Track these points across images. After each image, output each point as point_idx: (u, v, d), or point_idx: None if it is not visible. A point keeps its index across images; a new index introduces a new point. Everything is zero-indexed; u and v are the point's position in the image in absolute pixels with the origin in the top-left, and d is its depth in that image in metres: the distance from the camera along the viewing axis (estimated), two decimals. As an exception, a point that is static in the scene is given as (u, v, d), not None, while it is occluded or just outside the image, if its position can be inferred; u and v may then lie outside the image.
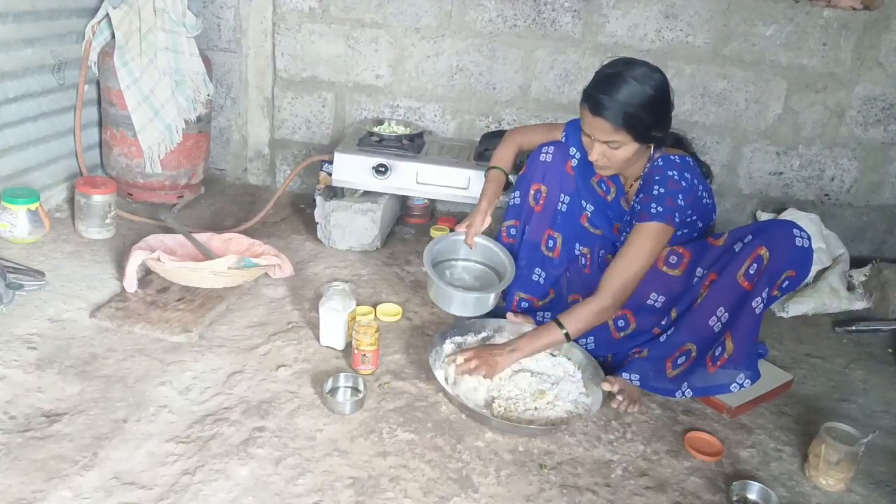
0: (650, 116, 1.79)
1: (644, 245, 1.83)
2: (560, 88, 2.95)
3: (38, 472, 1.46)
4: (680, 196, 1.83)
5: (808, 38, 2.81)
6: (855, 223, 3.06)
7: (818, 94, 2.89)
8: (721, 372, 1.79)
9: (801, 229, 1.75)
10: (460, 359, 1.85)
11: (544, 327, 1.90)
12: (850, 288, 2.66)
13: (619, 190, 2.03)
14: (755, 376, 1.80)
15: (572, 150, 2.04)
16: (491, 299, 2.07)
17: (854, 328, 2.45)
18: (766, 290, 1.73)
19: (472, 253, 2.19)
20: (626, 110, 1.76)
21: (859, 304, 2.59)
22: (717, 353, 1.79)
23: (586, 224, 2.08)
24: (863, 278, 2.69)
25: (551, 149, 2.07)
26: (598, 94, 1.79)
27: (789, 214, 2.82)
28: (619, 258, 1.86)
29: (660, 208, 1.81)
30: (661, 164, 1.87)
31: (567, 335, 1.85)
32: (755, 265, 1.73)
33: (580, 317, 1.86)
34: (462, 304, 2.07)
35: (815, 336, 2.42)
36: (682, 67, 2.89)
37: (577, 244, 2.09)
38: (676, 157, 1.88)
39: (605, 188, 2.04)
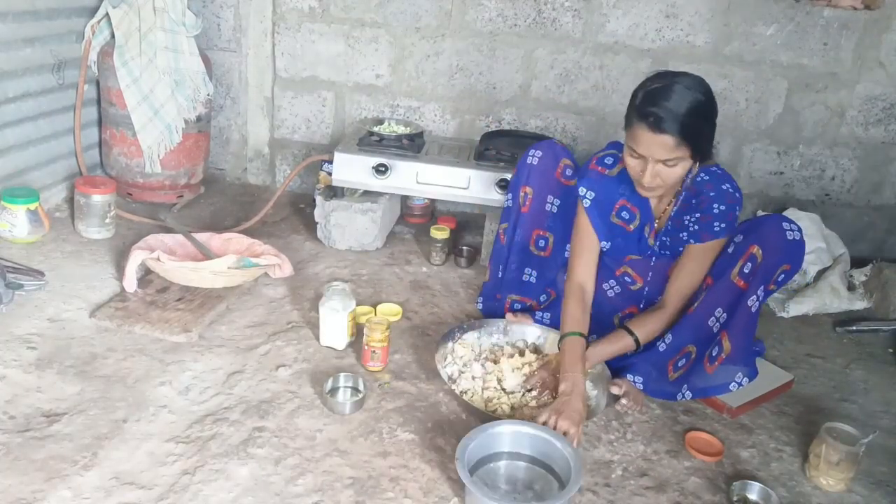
0: (708, 125, 1.69)
1: (707, 262, 1.82)
2: (560, 88, 2.95)
3: (38, 472, 1.45)
4: (737, 208, 1.80)
5: (809, 38, 2.81)
6: (855, 223, 3.05)
7: (819, 94, 2.89)
8: (719, 371, 1.79)
9: (790, 222, 1.75)
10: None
11: (615, 335, 1.87)
12: (851, 288, 2.65)
13: (644, 217, 1.89)
14: (753, 374, 1.81)
15: (582, 191, 1.90)
16: None
17: (854, 328, 2.45)
18: (762, 287, 1.74)
19: (517, 445, 1.63)
20: (685, 121, 1.62)
21: (860, 304, 2.59)
22: (714, 353, 1.79)
23: None
24: (863, 278, 2.69)
25: (539, 152, 2.06)
26: (653, 108, 1.63)
27: (790, 214, 2.81)
28: (683, 276, 1.85)
29: (723, 225, 1.78)
30: (706, 178, 1.79)
31: (637, 340, 1.85)
32: (749, 264, 1.73)
33: (649, 325, 1.86)
34: None
35: (815, 336, 2.42)
36: (682, 67, 2.88)
37: (569, 245, 2.08)
38: (716, 168, 1.81)
39: (628, 217, 1.90)
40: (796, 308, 2.52)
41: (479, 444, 1.56)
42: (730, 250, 1.79)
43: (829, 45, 2.82)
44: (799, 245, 1.74)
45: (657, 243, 1.90)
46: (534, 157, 2.06)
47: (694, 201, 1.82)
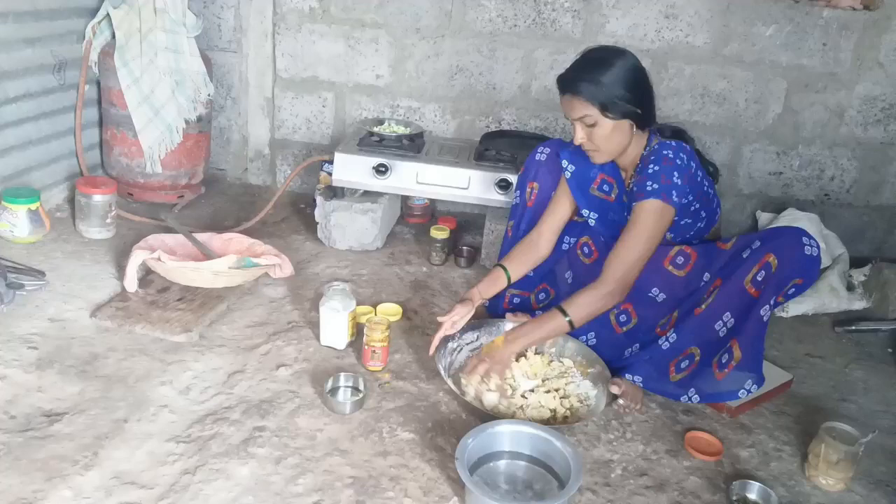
0: (615, 85, 1.77)
1: (644, 226, 1.78)
2: (560, 88, 2.95)
3: (39, 471, 1.46)
4: (675, 174, 1.79)
5: (808, 38, 2.82)
6: (855, 223, 3.06)
7: (818, 94, 2.89)
8: (729, 378, 1.78)
9: (809, 237, 1.74)
10: (466, 371, 1.83)
11: (546, 314, 1.85)
12: (850, 288, 2.66)
13: (619, 186, 1.99)
14: (761, 381, 1.79)
15: (564, 163, 2.00)
16: None
17: (854, 328, 2.45)
18: (773, 297, 1.72)
19: (517, 444, 1.63)
20: (585, 78, 1.78)
21: (859, 304, 2.59)
22: (723, 361, 1.77)
23: (576, 217, 2.07)
24: (862, 278, 2.70)
25: (548, 149, 2.09)
26: (563, 74, 1.84)
27: (789, 214, 2.83)
28: (619, 242, 1.82)
29: (655, 185, 1.78)
30: (657, 147, 1.85)
31: (571, 322, 1.81)
32: (763, 272, 1.72)
33: (582, 302, 1.81)
34: None
35: (814, 336, 2.42)
36: (682, 67, 2.89)
37: (566, 236, 2.09)
38: (673, 141, 1.86)
39: (607, 188, 2.00)
40: (796, 308, 2.52)
41: (478, 443, 1.56)
42: (745, 255, 1.77)
43: (829, 46, 2.82)
44: (815, 262, 1.73)
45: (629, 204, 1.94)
46: (542, 153, 2.10)
47: (641, 167, 1.88)
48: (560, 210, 2.04)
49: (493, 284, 2.02)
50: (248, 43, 3.00)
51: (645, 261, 1.82)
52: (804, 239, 1.73)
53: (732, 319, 1.77)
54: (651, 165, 1.82)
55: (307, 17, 2.96)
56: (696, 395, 1.84)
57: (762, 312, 1.73)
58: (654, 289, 1.92)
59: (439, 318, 1.93)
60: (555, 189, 2.06)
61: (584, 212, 2.00)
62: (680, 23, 2.83)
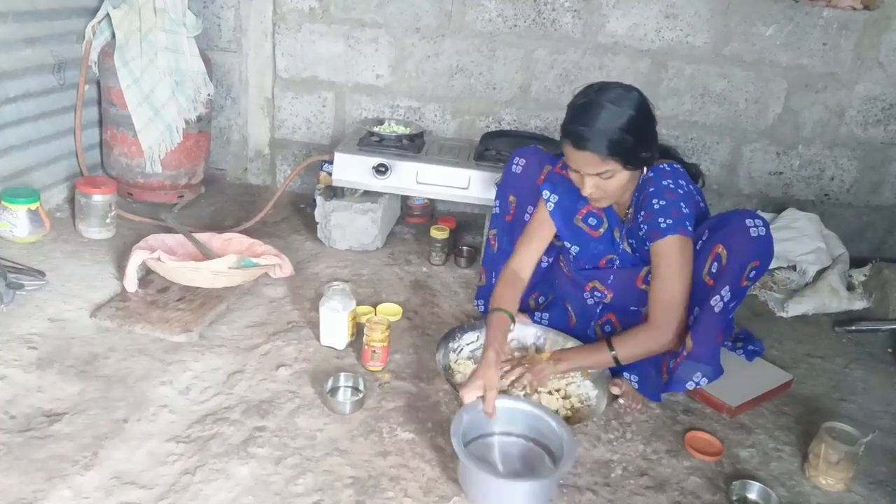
0: (635, 139, 1.68)
1: (671, 263, 1.74)
2: (560, 88, 2.95)
3: (39, 471, 1.46)
4: (682, 204, 1.75)
5: (808, 38, 2.82)
6: (855, 223, 3.06)
7: (818, 94, 2.89)
8: (680, 368, 1.76)
9: (754, 217, 1.71)
10: (502, 372, 1.78)
11: (595, 346, 1.85)
12: (850, 288, 2.66)
13: (611, 220, 1.91)
14: (716, 374, 1.76)
15: (546, 194, 1.92)
16: (547, 487, 1.53)
17: (854, 328, 2.45)
18: (727, 287, 1.69)
19: (509, 423, 1.68)
20: (609, 137, 1.65)
21: (859, 304, 2.59)
22: (678, 351, 1.76)
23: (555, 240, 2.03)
24: (862, 278, 2.70)
25: (523, 160, 2.05)
26: (576, 126, 1.68)
27: (789, 214, 2.83)
28: (654, 286, 1.77)
29: (668, 220, 1.73)
30: (651, 175, 1.79)
31: (616, 358, 1.80)
32: (716, 263, 1.71)
33: (632, 343, 1.79)
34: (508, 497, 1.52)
35: (814, 336, 2.42)
36: (682, 67, 2.89)
37: (544, 256, 2.05)
38: (665, 164, 1.80)
39: (595, 222, 1.92)
40: (795, 308, 2.52)
41: (472, 420, 1.58)
42: (697, 248, 1.76)
43: (829, 46, 2.82)
44: (765, 240, 1.69)
45: (629, 243, 1.90)
46: (518, 165, 2.06)
47: (640, 198, 1.81)
48: (541, 238, 1.97)
49: (504, 333, 1.84)
50: (248, 43, 3.00)
51: (685, 296, 1.76)
52: (748, 221, 1.70)
53: (699, 310, 1.76)
54: (655, 200, 1.76)
55: (307, 16, 2.96)
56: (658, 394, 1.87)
57: (713, 303, 1.70)
58: (633, 306, 1.93)
59: (465, 392, 1.65)
60: (531, 203, 2.00)
61: (566, 243, 1.96)
62: (680, 23, 2.83)
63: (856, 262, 2.76)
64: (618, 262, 1.92)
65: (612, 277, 1.93)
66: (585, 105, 1.69)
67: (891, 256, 2.93)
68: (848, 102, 2.90)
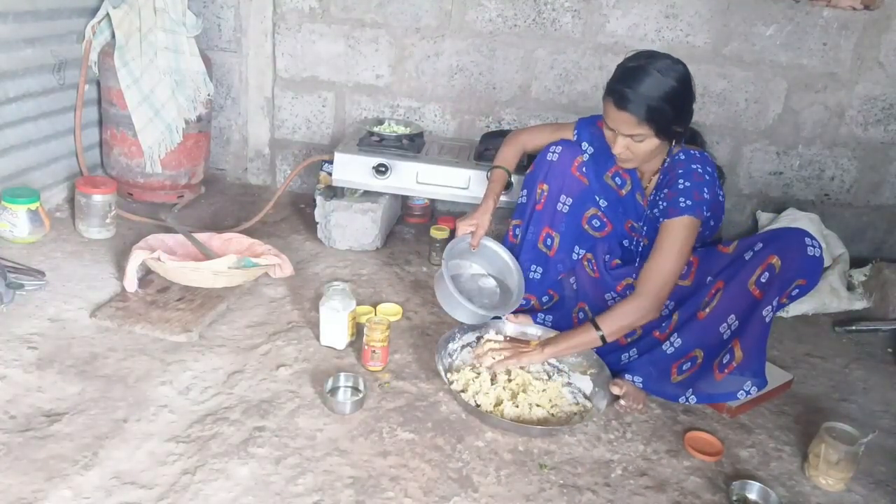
0: (673, 110, 1.76)
1: (676, 241, 1.80)
2: (560, 88, 2.95)
3: (39, 471, 1.46)
4: (705, 189, 1.81)
5: (808, 38, 2.82)
6: (855, 223, 3.06)
7: (818, 94, 2.89)
8: (728, 379, 1.77)
9: (812, 238, 1.74)
10: (488, 347, 1.91)
11: (580, 328, 1.87)
12: (850, 288, 2.66)
13: (634, 184, 1.99)
14: (762, 384, 1.78)
15: (584, 146, 2.02)
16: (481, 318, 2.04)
17: (854, 328, 2.45)
18: (776, 298, 1.72)
19: (481, 258, 2.15)
20: (649, 103, 1.73)
21: (859, 304, 2.59)
22: (724, 361, 1.77)
23: (586, 226, 2.06)
24: (863, 278, 2.70)
25: (559, 148, 2.05)
26: (622, 87, 1.76)
27: (789, 214, 2.83)
28: (652, 257, 1.83)
29: (688, 202, 1.79)
30: (682, 157, 1.86)
31: (603, 337, 1.82)
32: (767, 274, 1.72)
33: (615, 316, 1.82)
34: (470, 317, 2.02)
35: (815, 336, 2.42)
36: (682, 67, 2.89)
37: (577, 246, 2.08)
38: (696, 151, 1.88)
39: (619, 182, 2.01)
40: (796, 308, 2.52)
41: (460, 250, 2.09)
42: (747, 257, 1.77)
43: (829, 46, 2.82)
44: (818, 263, 1.73)
45: (651, 210, 1.94)
46: (554, 153, 2.06)
47: (667, 178, 1.88)
48: (554, 135, 2.10)
49: (502, 186, 2.14)
50: (248, 43, 3.00)
51: (678, 275, 1.83)
52: (807, 240, 1.73)
53: (737, 322, 1.77)
54: (681, 180, 1.82)
55: (307, 16, 2.96)
56: (694, 396, 1.83)
57: (764, 314, 1.72)
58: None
59: (461, 224, 2.06)
60: (562, 191, 2.03)
61: (596, 196, 2.03)
62: (680, 22, 2.83)
63: (856, 262, 2.77)
64: (645, 230, 1.97)
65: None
66: (634, 69, 1.77)
67: (891, 256, 2.94)
68: (848, 102, 2.90)
